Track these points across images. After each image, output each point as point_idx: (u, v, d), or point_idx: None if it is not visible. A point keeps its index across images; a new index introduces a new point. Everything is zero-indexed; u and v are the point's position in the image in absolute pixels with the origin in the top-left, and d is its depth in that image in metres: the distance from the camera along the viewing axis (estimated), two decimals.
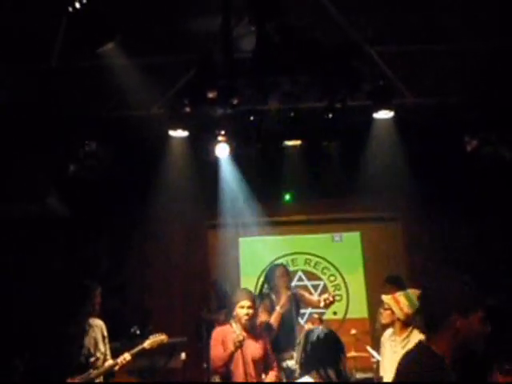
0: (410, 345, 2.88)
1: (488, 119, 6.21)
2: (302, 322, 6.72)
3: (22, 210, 6.41)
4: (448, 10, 4.64)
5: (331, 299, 4.87)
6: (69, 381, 4.43)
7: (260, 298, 5.23)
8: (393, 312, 3.98)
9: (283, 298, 5.01)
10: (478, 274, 6.51)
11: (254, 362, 4.50)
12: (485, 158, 6.31)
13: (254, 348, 4.54)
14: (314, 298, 5.71)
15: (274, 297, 5.17)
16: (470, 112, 6.17)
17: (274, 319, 4.97)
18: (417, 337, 3.55)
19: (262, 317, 5.03)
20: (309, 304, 5.59)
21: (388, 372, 3.90)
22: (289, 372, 4.91)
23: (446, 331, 2.18)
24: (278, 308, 4.98)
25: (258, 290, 5.51)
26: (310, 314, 6.55)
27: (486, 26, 4.78)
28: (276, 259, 7.51)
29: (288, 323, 5.02)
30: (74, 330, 4.61)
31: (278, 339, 5.01)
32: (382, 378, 4.15)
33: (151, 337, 4.83)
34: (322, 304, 4.99)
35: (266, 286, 5.35)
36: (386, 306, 4.07)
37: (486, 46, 5.06)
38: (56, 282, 6.38)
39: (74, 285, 4.98)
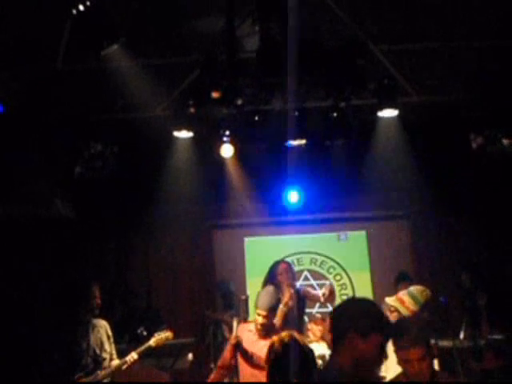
0: None
1: (493, 116, 6.19)
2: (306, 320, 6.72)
3: (29, 212, 6.42)
4: (453, 8, 4.63)
5: (327, 292, 4.85)
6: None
7: None
8: (399, 312, 3.97)
9: (286, 296, 4.94)
10: (485, 271, 6.57)
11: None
12: (490, 155, 6.28)
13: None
14: (319, 292, 5.70)
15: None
16: (475, 109, 6.15)
17: (277, 318, 4.92)
18: None
19: None
20: (314, 299, 5.53)
21: (391, 372, 3.88)
22: None
23: (346, 348, 2.24)
24: (281, 306, 4.91)
25: (261, 288, 5.46)
26: (310, 314, 6.48)
27: (491, 24, 4.76)
28: (282, 258, 7.49)
29: (292, 321, 4.95)
30: (76, 331, 4.60)
31: None
32: (385, 377, 4.12)
33: (156, 334, 4.80)
34: (322, 299, 5.02)
35: (268, 283, 5.30)
36: (392, 308, 4.04)
37: (491, 43, 5.04)
38: (61, 283, 6.38)
39: (73, 284, 4.98)
